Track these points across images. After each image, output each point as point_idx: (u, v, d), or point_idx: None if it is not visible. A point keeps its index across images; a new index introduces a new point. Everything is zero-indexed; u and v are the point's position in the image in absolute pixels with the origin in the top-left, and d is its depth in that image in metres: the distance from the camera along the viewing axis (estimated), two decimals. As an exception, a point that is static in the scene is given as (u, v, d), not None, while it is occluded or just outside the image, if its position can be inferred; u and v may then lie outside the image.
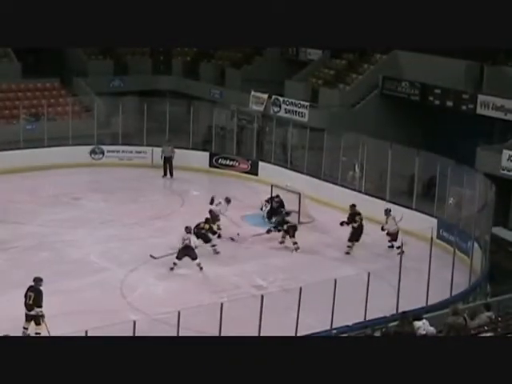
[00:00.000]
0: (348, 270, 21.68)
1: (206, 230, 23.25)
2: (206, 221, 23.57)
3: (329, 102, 33.71)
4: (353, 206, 24.74)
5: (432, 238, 20.60)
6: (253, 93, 35.40)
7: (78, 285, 20.64)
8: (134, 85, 39.06)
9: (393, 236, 24.11)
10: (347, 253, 24.16)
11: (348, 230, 24.31)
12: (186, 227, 22.27)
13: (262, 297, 16.05)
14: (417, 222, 24.85)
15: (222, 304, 15.49)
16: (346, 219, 24.41)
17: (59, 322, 17.27)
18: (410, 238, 23.62)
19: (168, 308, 17.31)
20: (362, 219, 24.27)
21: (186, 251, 21.97)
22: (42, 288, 17.39)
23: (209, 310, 16.14)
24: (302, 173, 30.10)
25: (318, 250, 24.51)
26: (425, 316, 16.18)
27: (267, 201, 27.17)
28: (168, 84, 40.38)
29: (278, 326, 16.33)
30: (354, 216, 24.31)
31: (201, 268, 22.02)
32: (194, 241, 22.06)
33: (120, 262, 22.53)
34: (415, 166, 26.66)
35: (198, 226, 23.10)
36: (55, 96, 36.68)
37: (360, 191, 28.07)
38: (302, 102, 33.36)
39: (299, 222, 26.47)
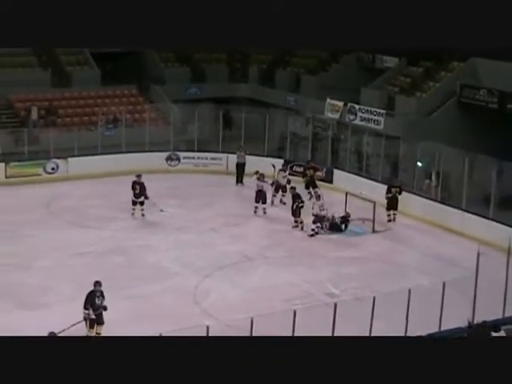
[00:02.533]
0: (422, 280, 21.37)
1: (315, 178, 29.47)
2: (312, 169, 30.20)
3: (405, 109, 33.34)
4: (395, 178, 28.98)
5: (510, 249, 20.13)
6: (328, 100, 35.25)
7: (151, 290, 20.77)
8: (210, 92, 39.25)
9: (283, 188, 28.68)
10: (389, 221, 27.30)
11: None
12: (261, 174, 28.19)
13: (335, 305, 15.91)
14: (494, 233, 24.40)
15: (295, 311, 15.38)
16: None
17: (132, 327, 17.39)
18: (487, 248, 23.11)
19: (241, 315, 17.28)
20: (397, 192, 27.51)
21: (260, 195, 27.73)
22: (96, 290, 17.61)
23: (282, 317, 16.04)
24: (376, 181, 29.86)
25: (392, 258, 24.25)
26: (502, 328, 15.81)
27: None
28: (244, 91, 40.48)
29: (351, 335, 16.11)
30: (390, 188, 27.71)
31: (265, 212, 27.76)
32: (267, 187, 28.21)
33: (194, 268, 22.61)
34: (492, 175, 26.15)
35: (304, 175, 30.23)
36: (133, 103, 37.15)
37: (436, 200, 27.70)
38: (377, 110, 33.09)
39: (374, 231, 26.25)
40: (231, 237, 25.55)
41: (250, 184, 29.85)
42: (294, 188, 27.38)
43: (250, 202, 28.62)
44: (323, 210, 26.22)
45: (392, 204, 27.53)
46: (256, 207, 27.86)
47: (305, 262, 23.73)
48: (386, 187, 28.45)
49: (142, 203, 26.97)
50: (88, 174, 31.05)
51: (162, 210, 26.79)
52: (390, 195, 27.57)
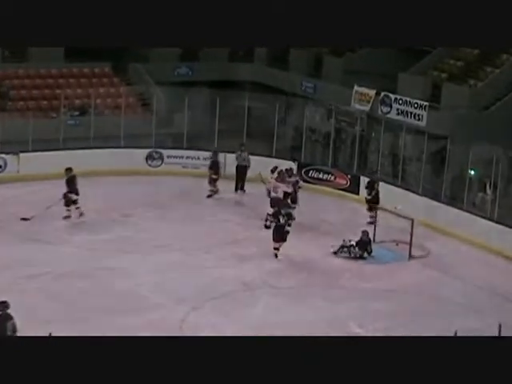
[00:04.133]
0: (472, 320, 21.48)
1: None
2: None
3: (454, 101, 33.50)
4: (373, 172, 31.41)
5: None
6: (356, 88, 35.40)
7: (124, 325, 20.70)
8: (205, 73, 39.57)
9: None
10: (370, 223, 28.29)
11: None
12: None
13: (359, 349, 15.94)
14: None
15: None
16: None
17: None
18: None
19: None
20: (378, 186, 29.74)
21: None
22: None
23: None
24: (416, 193, 30.02)
25: (433, 291, 24.33)
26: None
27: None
28: (248, 74, 40.69)
29: None
30: (373, 184, 29.79)
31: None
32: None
33: (179, 298, 22.63)
34: None
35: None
36: (105, 84, 37.37)
37: (491, 219, 27.74)
38: (419, 102, 33.19)
39: (410, 256, 26.28)
40: (227, 258, 25.63)
41: (253, 192, 29.98)
42: (289, 206, 27.44)
43: (251, 214, 28.66)
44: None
45: (376, 202, 29.15)
46: None
47: (321, 293, 23.78)
48: (429, 202, 28.67)
49: (75, 201, 28.03)
50: (45, 175, 31.07)
51: (47, 207, 27.58)
52: (373, 193, 29.48)
